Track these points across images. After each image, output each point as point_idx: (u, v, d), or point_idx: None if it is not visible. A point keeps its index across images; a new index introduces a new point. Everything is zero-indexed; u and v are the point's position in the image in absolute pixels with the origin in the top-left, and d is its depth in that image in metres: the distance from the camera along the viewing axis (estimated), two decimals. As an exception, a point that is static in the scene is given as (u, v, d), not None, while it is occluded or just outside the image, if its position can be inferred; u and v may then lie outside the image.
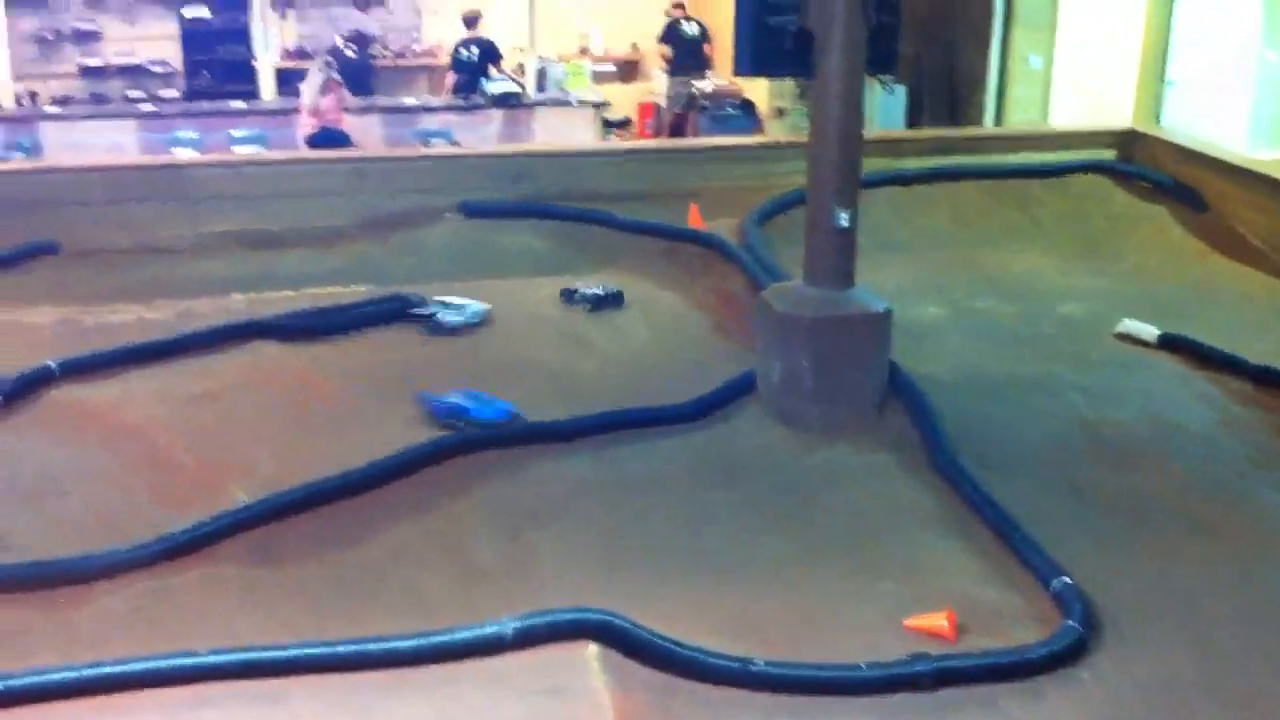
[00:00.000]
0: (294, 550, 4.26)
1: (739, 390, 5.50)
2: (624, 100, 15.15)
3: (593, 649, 3.41)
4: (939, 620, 3.81)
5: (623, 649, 3.43)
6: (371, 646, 3.42)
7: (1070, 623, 3.77)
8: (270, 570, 4.15)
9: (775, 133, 12.72)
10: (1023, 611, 3.97)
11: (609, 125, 13.97)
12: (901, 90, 11.93)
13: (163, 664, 3.34)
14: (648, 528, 4.49)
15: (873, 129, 8.44)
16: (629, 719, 3.18)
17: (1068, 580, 3.98)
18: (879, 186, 7.67)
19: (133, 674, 3.32)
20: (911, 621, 3.84)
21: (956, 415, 5.24)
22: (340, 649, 3.41)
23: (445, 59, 14.12)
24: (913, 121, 12.05)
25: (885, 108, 11.49)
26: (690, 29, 14.43)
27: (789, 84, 12.64)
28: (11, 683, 3.24)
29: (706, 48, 14.48)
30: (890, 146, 8.67)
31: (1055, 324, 6.62)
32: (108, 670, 3.32)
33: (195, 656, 3.36)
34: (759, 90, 13.65)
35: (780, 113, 13.43)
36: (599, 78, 15.01)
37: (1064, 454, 5.11)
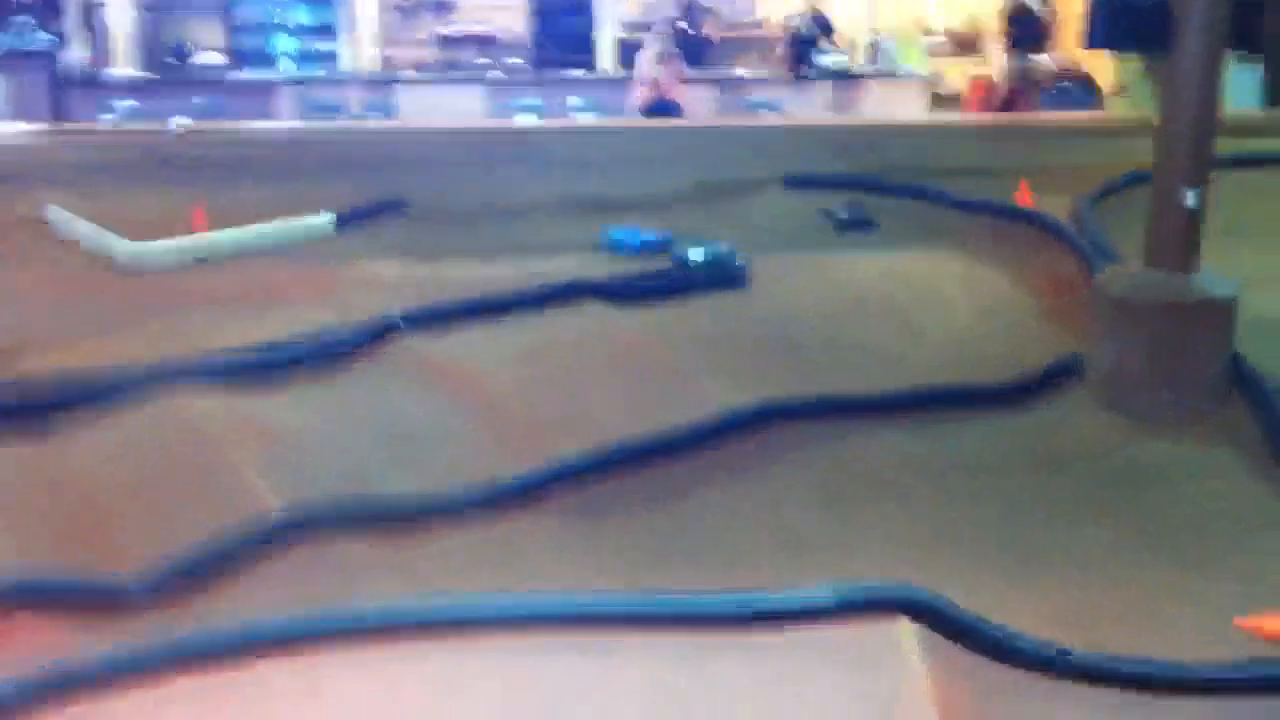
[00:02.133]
0: (619, 506, 4.41)
1: (1066, 372, 5.32)
2: (958, 75, 14.82)
3: (910, 626, 3.40)
4: (1275, 622, 3.60)
5: (941, 629, 3.40)
6: (690, 604, 3.50)
7: None
8: (596, 523, 4.31)
9: (1117, 110, 12.17)
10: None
11: (939, 100, 13.71)
12: (1257, 70, 11.21)
13: (501, 605, 3.51)
14: (971, 509, 4.43)
15: (1225, 109, 7.97)
16: (945, 698, 3.16)
17: None
18: (1231, 169, 7.24)
19: (471, 614, 3.50)
20: (1246, 621, 3.64)
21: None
22: (660, 605, 3.51)
23: (778, 31, 14.17)
24: (1270, 102, 11.29)
25: (1239, 87, 10.80)
26: (1035, 3, 13.95)
27: (1133, 60, 12.07)
28: (341, 618, 3.46)
29: (1049, 23, 13.97)
30: (1244, 127, 8.16)
31: None
32: (444, 608, 3.50)
33: (531, 601, 3.53)
34: (1101, 67, 13.08)
35: (1123, 89, 12.83)
36: (935, 51, 14.72)
37: None
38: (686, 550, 4.17)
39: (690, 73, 12.52)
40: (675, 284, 6.42)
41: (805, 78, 12.90)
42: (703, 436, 4.76)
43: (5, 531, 4.14)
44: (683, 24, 13.57)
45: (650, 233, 6.93)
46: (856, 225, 6.58)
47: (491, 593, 3.61)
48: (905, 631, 3.38)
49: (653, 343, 5.84)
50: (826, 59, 12.94)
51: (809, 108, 12.68)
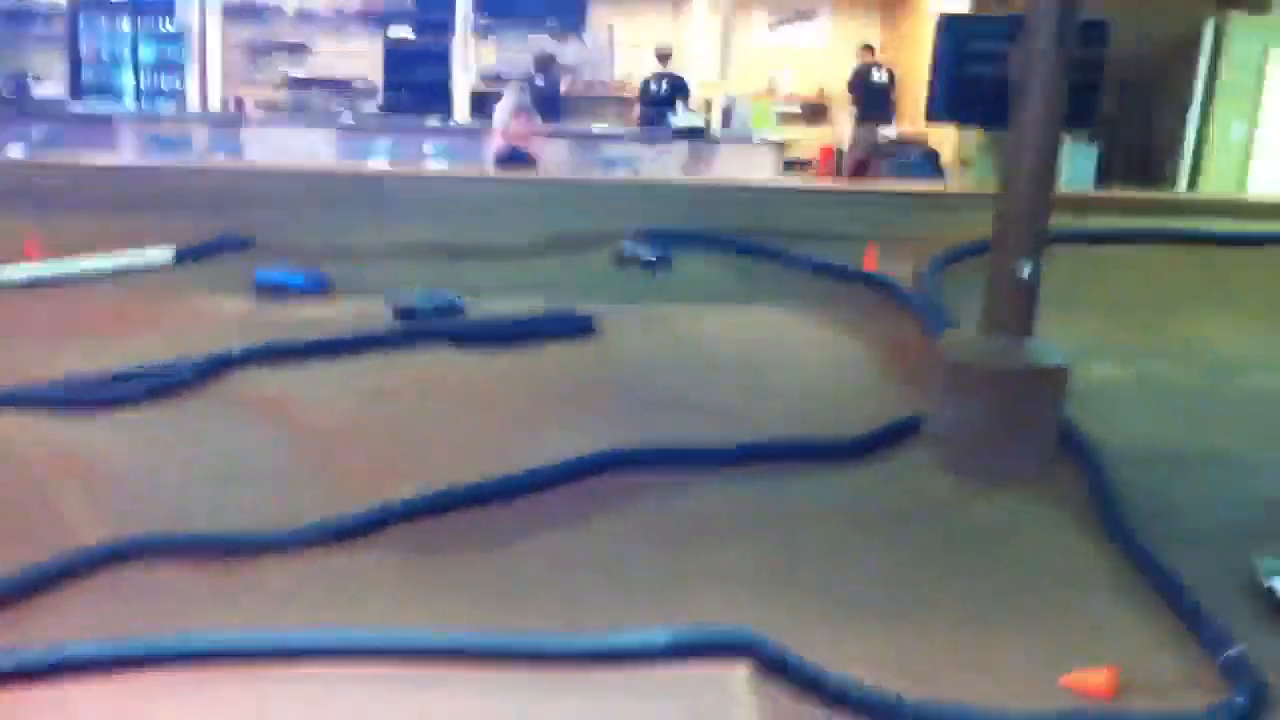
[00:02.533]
0: (455, 547, 4.34)
1: (906, 430, 5.42)
2: (807, 142, 15.18)
3: (745, 671, 3.39)
4: (1098, 678, 3.69)
5: (777, 674, 3.40)
6: (525, 642, 3.45)
7: (1238, 698, 3.61)
8: (427, 560, 4.23)
9: (960, 184, 12.58)
10: (1188, 679, 3.81)
11: (790, 165, 14.01)
12: (1093, 150, 11.72)
13: (324, 638, 3.43)
14: (810, 558, 4.45)
15: (1060, 187, 8.29)
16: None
17: (1239, 652, 3.81)
18: (1065, 243, 7.52)
19: (293, 646, 3.42)
20: (1070, 678, 3.72)
21: (1129, 480, 5.07)
22: (495, 641, 3.45)
23: (635, 91, 14.35)
24: (1102, 181, 11.81)
25: (1076, 166, 11.28)
26: (880, 76, 14.39)
27: (975, 135, 12.51)
28: (165, 643, 3.37)
29: (893, 95, 14.42)
30: (1079, 204, 8.48)
31: (1244, 395, 6.37)
32: (262, 639, 3.42)
33: (355, 634, 3.44)
34: (944, 141, 13.53)
35: (965, 164, 13.29)
36: (784, 119, 15.07)
37: (1245, 533, 4.90)
38: (523, 592, 4.12)
39: (546, 127, 12.58)
40: (516, 330, 6.40)
41: (660, 138, 13.07)
42: (542, 481, 4.72)
43: None
44: (539, 78, 13.66)
45: (300, 274, 6.91)
46: (661, 264, 6.68)
47: (313, 626, 3.50)
48: (740, 677, 3.37)
49: (498, 389, 5.79)
50: (680, 119, 13.14)
51: (664, 168, 12.84)
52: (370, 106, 14.43)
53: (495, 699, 3.30)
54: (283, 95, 14.61)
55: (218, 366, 5.60)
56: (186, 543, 4.11)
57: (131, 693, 3.24)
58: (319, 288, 6.84)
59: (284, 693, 3.26)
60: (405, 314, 6.35)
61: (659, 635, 3.41)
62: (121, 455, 4.88)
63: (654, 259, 6.67)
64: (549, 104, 13.35)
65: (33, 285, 6.75)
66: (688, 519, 4.65)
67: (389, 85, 14.37)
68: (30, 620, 3.68)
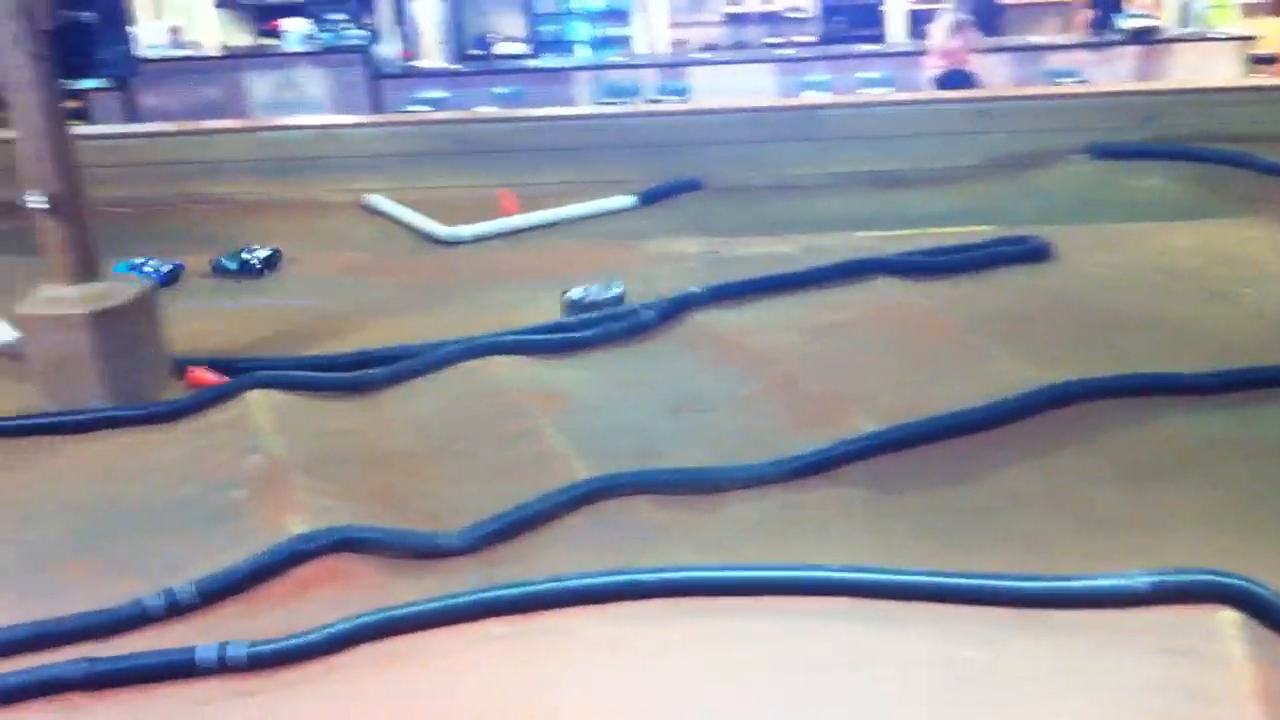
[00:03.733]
0: (913, 483, 4.37)
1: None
2: (1277, 35, 13.89)
3: (1230, 615, 3.24)
4: None
5: (1266, 621, 3.23)
6: (997, 583, 3.44)
7: None
8: (889, 498, 4.29)
9: None
10: None
11: (1258, 62, 12.89)
12: None
13: (793, 574, 3.56)
14: (1286, 495, 4.19)
15: None
16: (1272, 693, 3.00)
17: None
18: None
19: (763, 580, 3.57)
20: None
21: None
22: (967, 582, 3.47)
23: (1078, -6, 13.64)
24: None
25: None
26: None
27: None
28: (646, 577, 3.60)
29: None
30: None
31: None
32: (741, 574, 3.59)
33: (825, 570, 3.56)
34: None
35: None
36: (1248, 9, 13.85)
37: None
38: (981, 530, 4.09)
39: (985, 41, 12.19)
40: (964, 261, 6.30)
41: (1108, 43, 12.36)
42: (1001, 415, 4.65)
43: (336, 489, 4.46)
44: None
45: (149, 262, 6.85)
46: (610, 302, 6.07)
47: (780, 562, 3.65)
48: (1226, 620, 3.22)
49: (946, 319, 5.76)
50: (1130, 21, 12.35)
51: (1112, 75, 12.14)
52: (807, 37, 14.49)
53: (959, 641, 3.32)
54: (722, 33, 14.91)
55: (679, 307, 5.87)
56: (660, 479, 4.34)
57: (621, 622, 3.50)
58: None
59: (756, 630, 3.41)
60: (574, 308, 6.11)
61: (1139, 578, 3.31)
62: (597, 393, 5.24)
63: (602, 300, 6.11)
64: (987, 17, 12.91)
65: (510, 235, 7.34)
66: (1154, 452, 4.47)
67: (823, 14, 14.36)
68: (526, 552, 4.04)
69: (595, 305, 6.05)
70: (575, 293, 6.11)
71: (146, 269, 6.80)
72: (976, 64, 11.43)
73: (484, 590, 3.64)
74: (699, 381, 5.34)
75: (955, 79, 11.09)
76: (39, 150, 5.14)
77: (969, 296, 6.02)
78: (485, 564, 3.96)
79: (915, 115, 8.66)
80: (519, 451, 4.73)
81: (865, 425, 4.64)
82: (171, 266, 6.90)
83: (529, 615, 3.58)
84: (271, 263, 6.93)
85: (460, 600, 3.61)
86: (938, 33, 11.48)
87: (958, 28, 11.37)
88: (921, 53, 11.93)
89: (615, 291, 6.12)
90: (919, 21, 13.14)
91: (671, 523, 4.18)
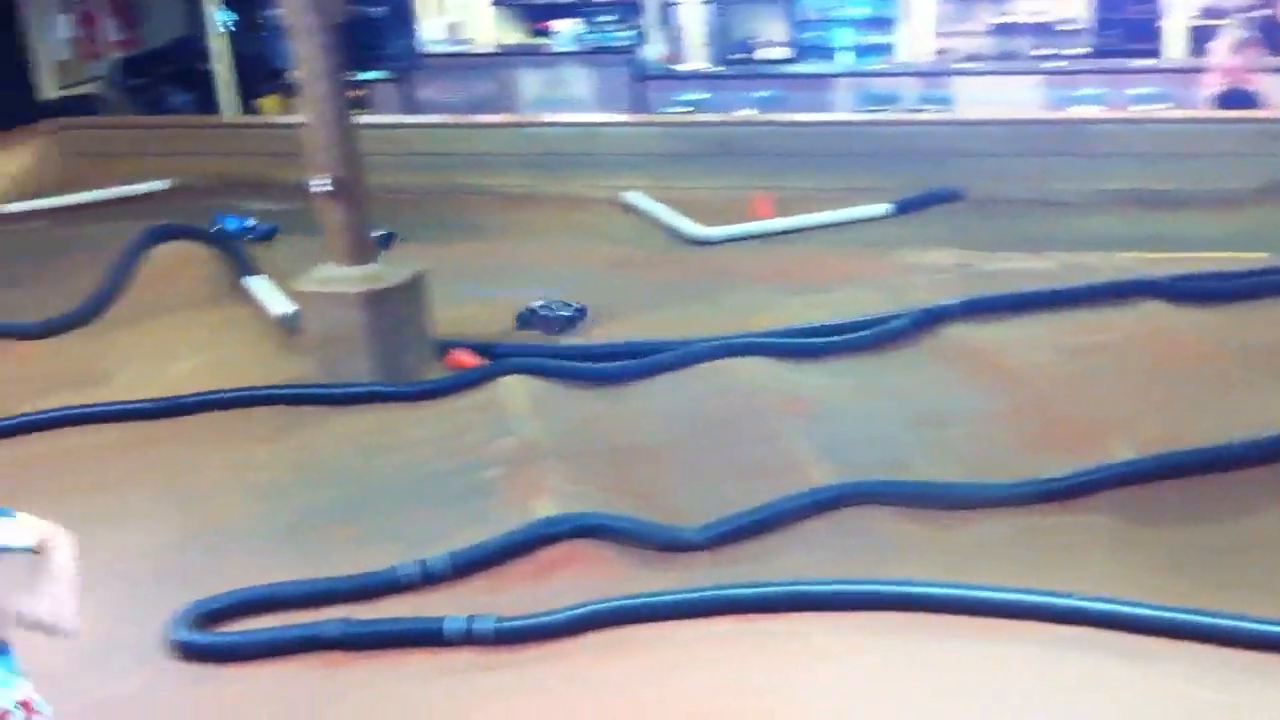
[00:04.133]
0: (1166, 514, 4.20)
1: None
2: None
3: None
4: None
5: None
6: (1245, 625, 3.31)
7: None
8: (1140, 530, 4.14)
9: None
10: None
11: None
12: None
13: (1041, 600, 3.49)
14: None
15: None
16: None
17: None
18: None
19: (1006, 603, 3.51)
20: None
21: None
22: (1213, 621, 3.34)
23: None
24: None
25: None
26: None
27: None
28: (886, 589, 3.58)
29: None
30: None
31: None
32: (986, 595, 3.53)
33: (1067, 598, 3.47)
34: None
35: None
36: None
37: None
38: (1230, 571, 3.88)
39: (1270, 60, 11.56)
40: (1239, 288, 6.00)
41: None
42: (1267, 454, 4.43)
43: (582, 475, 4.59)
44: (1268, 10, 12.54)
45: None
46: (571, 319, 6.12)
47: (1028, 587, 3.58)
48: None
49: (1214, 348, 5.50)
50: None
51: None
52: (1074, 49, 14.01)
53: (1199, 680, 3.19)
54: (987, 43, 14.56)
55: (932, 319, 5.79)
56: (906, 491, 4.30)
57: (861, 631, 3.49)
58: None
59: (1004, 654, 3.35)
60: (524, 319, 6.19)
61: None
62: (841, 400, 5.22)
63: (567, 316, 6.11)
64: (1271, 35, 12.24)
65: (761, 238, 7.38)
66: None
67: (1100, 26, 13.83)
68: (764, 553, 4.07)
69: (547, 321, 6.11)
70: (535, 303, 6.18)
71: (246, 224, 7.58)
72: (1260, 83, 10.85)
73: (720, 588, 3.70)
74: (947, 395, 5.26)
75: (1237, 98, 10.55)
76: (325, 137, 5.45)
77: (1241, 326, 5.73)
78: (722, 562, 4.02)
79: (1191, 134, 8.29)
80: (760, 453, 4.76)
81: (1121, 453, 4.48)
82: (269, 227, 7.49)
83: (763, 616, 3.62)
84: (385, 241, 6.83)
85: (696, 595, 3.68)
86: (1220, 50, 10.95)
87: (1241, 45, 10.81)
88: (1201, 70, 11.39)
89: (570, 311, 6.15)
90: (1200, 39, 12.55)
91: (913, 537, 4.14)
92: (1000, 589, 3.55)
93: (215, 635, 3.72)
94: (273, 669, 3.63)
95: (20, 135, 9.41)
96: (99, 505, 4.59)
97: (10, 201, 8.66)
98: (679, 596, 3.68)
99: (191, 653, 3.66)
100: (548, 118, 9.57)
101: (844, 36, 13.51)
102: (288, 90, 12.98)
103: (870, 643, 3.46)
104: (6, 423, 5.31)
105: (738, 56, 13.13)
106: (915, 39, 13.86)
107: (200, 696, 3.55)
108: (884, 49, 13.69)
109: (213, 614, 3.79)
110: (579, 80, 12.33)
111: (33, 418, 5.36)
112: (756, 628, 3.59)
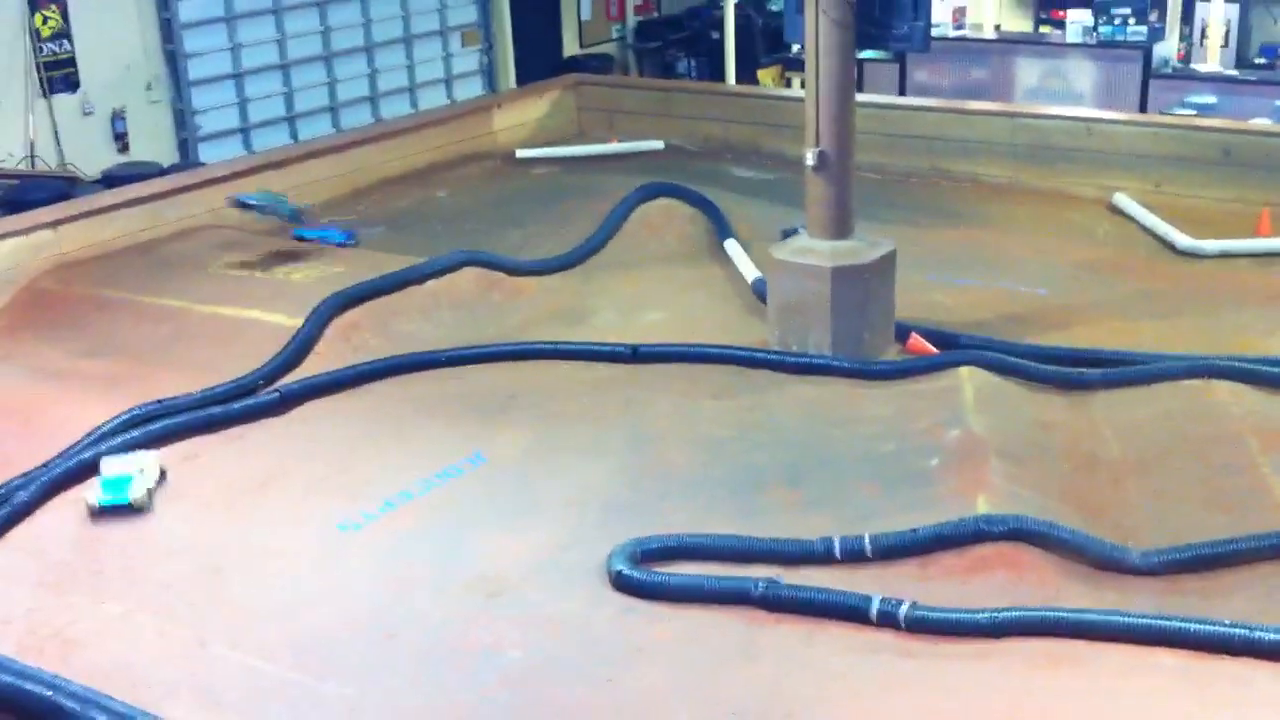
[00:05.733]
0: None
1: None
2: None
3: None
4: None
5: None
6: None
7: None
8: None
9: None
10: None
11: None
12: None
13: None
14: None
15: None
16: None
17: None
18: None
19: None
20: None
21: None
22: None
23: None
24: None
25: None
26: None
27: None
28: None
29: None
30: None
31: None
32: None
33: None
34: None
35: None
36: None
37: None
38: None
39: None
40: None
41: None
42: None
43: (1029, 478, 4.49)
44: None
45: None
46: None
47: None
48: None
49: None
50: None
51: None
52: None
53: None
54: None
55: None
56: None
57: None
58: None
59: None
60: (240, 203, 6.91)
61: None
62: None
63: None
64: None
65: (1262, 256, 6.87)
66: None
67: None
68: (1216, 589, 3.82)
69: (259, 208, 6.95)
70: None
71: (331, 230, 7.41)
72: None
73: (1164, 618, 3.52)
74: None
75: None
76: (823, 112, 5.55)
77: None
78: (1163, 591, 3.81)
79: None
80: (1228, 483, 4.47)
81: None
82: (347, 235, 7.32)
83: (1209, 656, 3.42)
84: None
85: (1136, 621, 3.52)
86: None
87: None
88: None
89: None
90: None
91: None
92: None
93: (650, 573, 3.93)
94: (698, 614, 3.80)
95: (543, 88, 10.19)
96: (565, 435, 5.02)
97: (528, 147, 9.40)
98: (1115, 618, 3.56)
99: (626, 586, 3.90)
100: (1042, 109, 9.27)
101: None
102: (788, 64, 13.32)
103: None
104: (507, 348, 5.83)
105: (1259, 61, 12.17)
106: None
107: (629, 627, 3.77)
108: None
109: (649, 553, 4.02)
110: (1082, 73, 11.87)
111: (525, 346, 5.87)
112: (1200, 667, 3.40)
